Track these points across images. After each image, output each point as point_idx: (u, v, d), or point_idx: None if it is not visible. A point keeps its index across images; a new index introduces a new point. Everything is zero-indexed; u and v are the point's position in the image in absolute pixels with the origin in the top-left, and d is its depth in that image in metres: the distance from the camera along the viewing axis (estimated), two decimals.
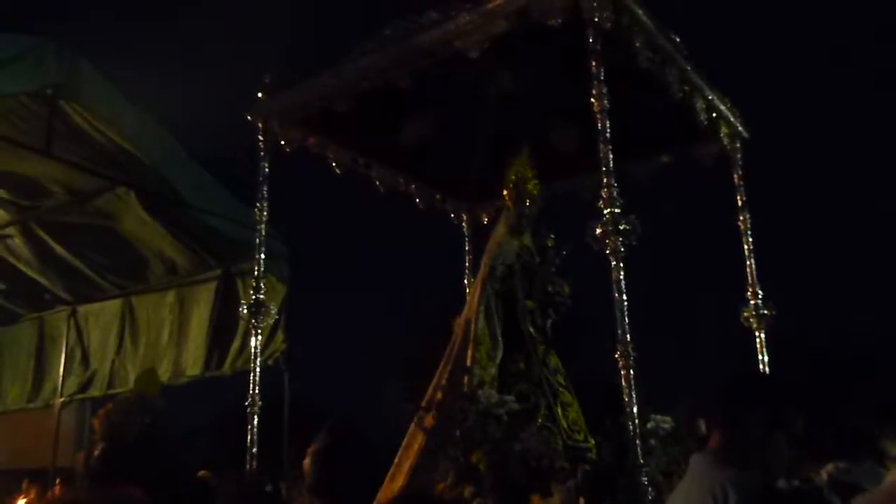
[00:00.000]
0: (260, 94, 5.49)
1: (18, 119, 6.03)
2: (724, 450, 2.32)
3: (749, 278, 5.58)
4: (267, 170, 5.49)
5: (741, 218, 5.69)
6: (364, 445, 2.50)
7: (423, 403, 4.82)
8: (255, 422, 5.12)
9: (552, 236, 5.42)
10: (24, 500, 6.99)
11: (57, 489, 5.97)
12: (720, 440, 2.36)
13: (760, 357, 5.44)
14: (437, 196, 6.79)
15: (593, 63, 4.18)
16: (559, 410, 4.92)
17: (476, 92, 5.29)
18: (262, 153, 5.49)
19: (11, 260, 7.97)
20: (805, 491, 2.88)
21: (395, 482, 4.58)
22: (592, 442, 4.92)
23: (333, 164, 5.84)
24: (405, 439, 4.83)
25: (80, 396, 8.22)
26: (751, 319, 5.49)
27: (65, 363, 8.33)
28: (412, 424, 4.78)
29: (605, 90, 4.14)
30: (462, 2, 4.59)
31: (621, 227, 3.91)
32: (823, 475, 3.38)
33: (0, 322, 9.02)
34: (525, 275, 5.24)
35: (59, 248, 7.67)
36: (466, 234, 7.01)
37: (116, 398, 7.72)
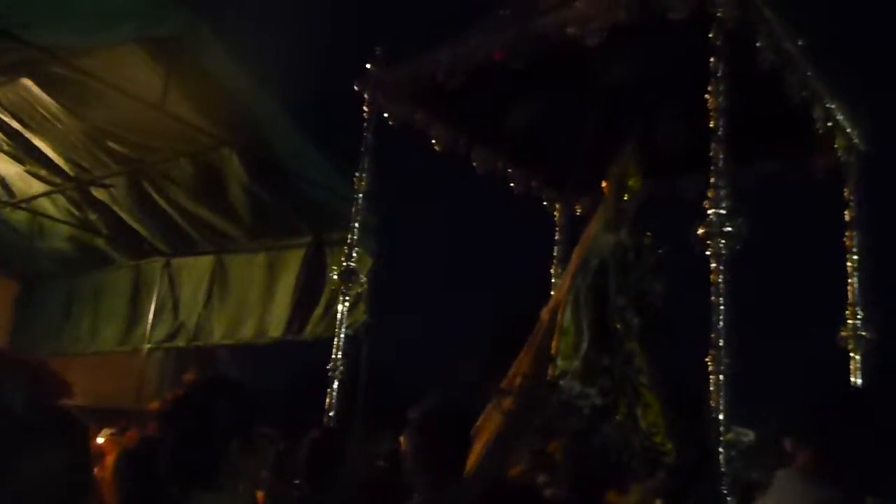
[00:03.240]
0: (369, 66, 5.55)
1: (136, 72, 6.26)
2: (816, 467, 2.25)
3: (850, 297, 5.38)
4: (370, 141, 5.56)
5: (848, 234, 5.48)
6: (466, 420, 2.53)
7: (503, 386, 4.82)
8: (336, 386, 5.21)
9: (650, 234, 5.32)
10: (103, 440, 7.28)
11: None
12: (812, 457, 2.29)
13: (854, 380, 5.24)
14: (534, 183, 6.75)
15: (713, 60, 4.07)
16: (639, 410, 4.83)
17: (587, 81, 5.22)
18: (366, 124, 5.55)
19: (114, 208, 8.31)
20: None
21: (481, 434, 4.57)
22: (670, 446, 4.83)
23: (434, 142, 5.86)
24: (480, 420, 4.84)
25: (167, 345, 8.53)
26: (848, 340, 5.29)
27: (155, 312, 8.66)
28: (489, 406, 4.77)
29: (722, 88, 4.03)
30: None
31: (725, 230, 3.82)
32: None
33: (100, 267, 9.43)
34: (618, 271, 5.15)
35: (160, 201, 7.95)
36: (559, 223, 6.95)
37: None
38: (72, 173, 7.96)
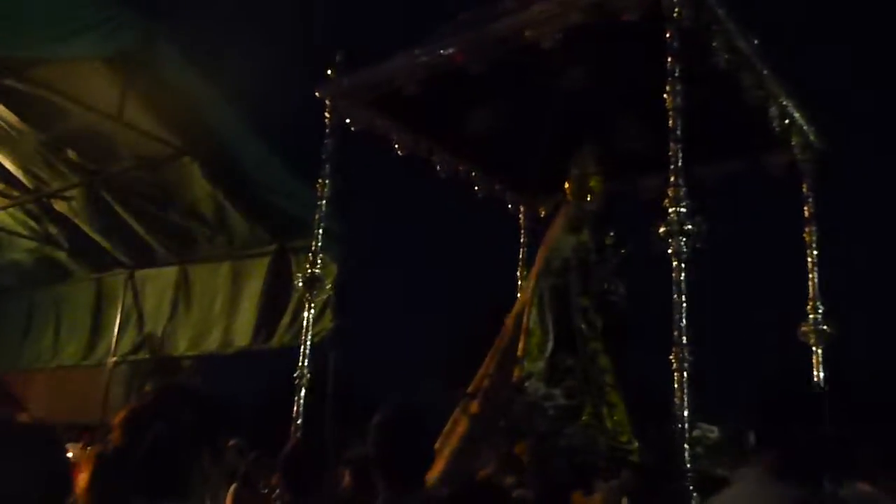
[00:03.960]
0: (330, 72, 5.53)
1: (93, 83, 6.18)
2: (784, 468, 2.28)
3: (811, 292, 5.46)
4: (331, 148, 5.54)
5: (807, 230, 5.56)
6: (424, 424, 2.52)
7: (470, 390, 4.82)
8: (303, 394, 5.17)
9: (611, 234, 5.36)
10: (72, 454, 7.19)
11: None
12: (778, 458, 2.32)
13: (817, 374, 5.31)
14: (497, 186, 6.77)
15: (669, 60, 4.11)
16: (605, 410, 4.87)
17: (545, 84, 5.25)
18: (327, 131, 5.53)
19: (75, 220, 8.19)
20: None
21: (434, 466, 4.59)
22: (636, 445, 4.87)
23: (396, 147, 5.85)
24: (448, 424, 4.84)
25: (132, 358, 8.41)
26: (809, 335, 5.36)
27: (119, 324, 8.53)
28: (457, 410, 4.78)
29: (679, 88, 4.07)
30: None
31: (686, 228, 3.85)
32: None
33: (61, 280, 9.28)
34: (581, 271, 5.20)
35: (121, 212, 7.85)
36: (523, 225, 6.97)
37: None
38: (30, 186, 7.83)
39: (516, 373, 4.72)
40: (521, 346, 4.95)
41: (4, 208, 8.27)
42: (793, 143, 5.47)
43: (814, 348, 5.34)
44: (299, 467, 3.42)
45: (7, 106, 6.58)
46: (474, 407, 4.66)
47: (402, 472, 2.43)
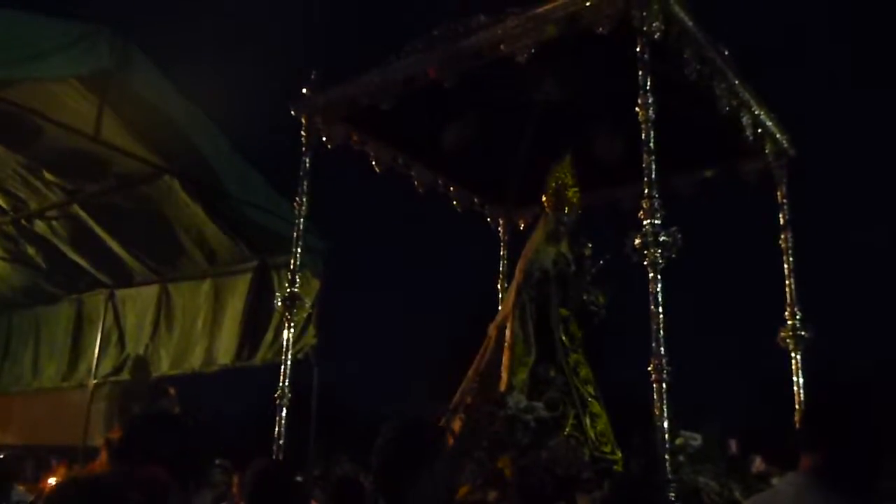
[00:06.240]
0: (305, 90, 5.53)
1: (69, 103, 6.16)
2: (831, 473, 2.09)
3: (788, 298, 5.50)
4: (308, 165, 5.53)
5: (783, 237, 5.60)
6: (431, 443, 2.53)
7: (452, 405, 4.82)
8: (284, 413, 5.15)
9: (590, 245, 5.38)
10: (55, 479, 7.11)
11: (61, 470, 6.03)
12: (823, 461, 2.11)
13: (795, 380, 5.35)
14: (476, 199, 6.79)
15: (640, 72, 4.14)
16: (588, 421, 4.88)
17: (521, 97, 5.28)
18: (304, 148, 5.53)
19: (54, 241, 8.13)
20: None
21: None
22: (619, 455, 4.88)
23: (374, 163, 5.86)
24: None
25: (114, 378, 8.35)
26: (787, 340, 5.40)
27: (100, 345, 8.48)
28: (439, 425, 4.77)
29: (651, 100, 4.10)
30: (511, 6, 4.60)
31: (661, 239, 3.87)
32: None
33: (39, 301, 9.20)
34: (560, 282, 5.22)
35: (101, 232, 7.81)
36: (503, 238, 6.98)
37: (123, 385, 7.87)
38: (7, 207, 7.78)
39: (501, 386, 4.72)
40: (504, 358, 4.95)
41: None
42: (766, 151, 5.52)
43: (792, 353, 5.38)
44: (265, 492, 3.35)
45: None
46: (456, 422, 4.65)
47: (402, 490, 2.45)
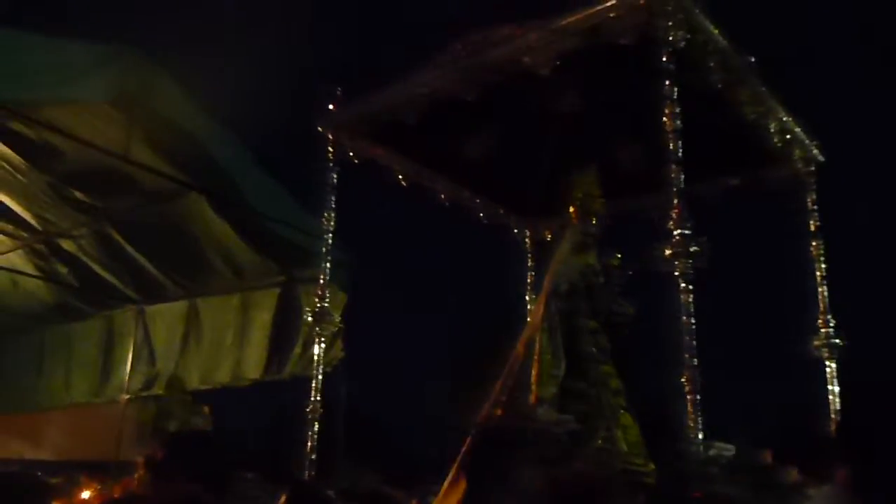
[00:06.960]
0: (331, 106, 5.57)
1: (98, 123, 6.24)
2: (866, 486, 2.12)
3: (821, 306, 5.43)
4: (335, 180, 5.57)
5: (813, 244, 5.54)
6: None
7: (480, 419, 4.79)
8: (315, 427, 5.17)
9: (618, 255, 5.34)
10: (89, 494, 7.16)
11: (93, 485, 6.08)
12: (858, 474, 2.16)
13: (831, 388, 5.27)
14: (501, 211, 6.78)
15: (665, 83, 4.12)
16: (619, 433, 4.83)
17: (544, 108, 5.27)
18: (330, 163, 5.56)
19: (84, 259, 8.24)
20: None
21: (448, 499, 4.55)
22: (651, 466, 4.82)
23: (399, 177, 5.88)
24: (460, 455, 4.80)
25: (145, 394, 8.43)
26: (822, 349, 5.33)
27: (131, 361, 8.56)
28: (468, 439, 4.74)
29: (676, 110, 4.08)
30: (534, 19, 4.60)
31: (691, 249, 3.85)
32: None
33: (71, 318, 9.32)
34: (588, 294, 5.17)
35: (130, 249, 7.90)
36: (529, 249, 6.97)
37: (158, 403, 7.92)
38: (38, 227, 7.89)
39: (530, 399, 4.69)
40: (534, 371, 4.92)
41: (13, 250, 8.33)
42: (795, 158, 5.47)
43: (827, 362, 5.31)
44: None
45: (13, 149, 6.65)
46: (485, 436, 4.62)
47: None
